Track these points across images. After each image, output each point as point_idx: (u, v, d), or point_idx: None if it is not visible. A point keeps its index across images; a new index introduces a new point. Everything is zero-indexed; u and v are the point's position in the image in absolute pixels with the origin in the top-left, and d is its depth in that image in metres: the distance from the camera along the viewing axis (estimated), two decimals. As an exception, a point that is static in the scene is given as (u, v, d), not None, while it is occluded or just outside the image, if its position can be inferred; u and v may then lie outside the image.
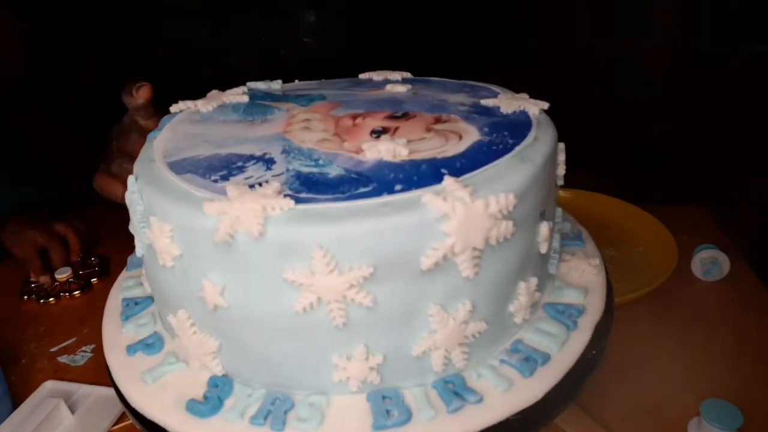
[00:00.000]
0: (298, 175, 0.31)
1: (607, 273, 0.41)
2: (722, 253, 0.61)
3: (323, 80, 0.49)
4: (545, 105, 0.39)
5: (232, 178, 0.32)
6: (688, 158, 0.74)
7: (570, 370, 0.33)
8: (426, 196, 0.28)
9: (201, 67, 0.64)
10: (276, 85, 0.48)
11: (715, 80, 0.70)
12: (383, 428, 0.29)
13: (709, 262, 0.61)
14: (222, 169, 0.33)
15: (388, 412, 0.30)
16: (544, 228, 0.33)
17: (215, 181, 0.31)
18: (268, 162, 0.33)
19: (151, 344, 0.36)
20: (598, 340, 0.35)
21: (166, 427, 0.31)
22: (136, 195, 0.33)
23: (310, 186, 0.30)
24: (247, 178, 0.31)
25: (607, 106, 0.74)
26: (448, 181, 0.29)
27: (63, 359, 0.57)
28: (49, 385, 0.53)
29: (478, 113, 0.38)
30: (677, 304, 0.58)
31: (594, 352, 0.34)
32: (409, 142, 0.34)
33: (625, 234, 0.68)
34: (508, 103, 0.39)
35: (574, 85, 0.72)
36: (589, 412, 0.45)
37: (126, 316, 0.39)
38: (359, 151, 0.33)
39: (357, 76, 0.49)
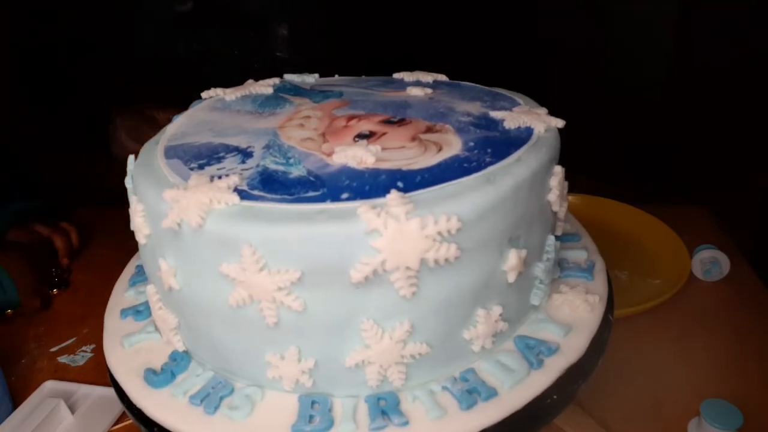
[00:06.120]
0: (264, 172, 0.32)
1: (608, 311, 0.37)
2: (722, 253, 0.61)
3: (359, 77, 0.49)
4: (560, 123, 0.36)
5: (207, 168, 0.33)
6: (688, 159, 0.72)
7: (520, 410, 0.31)
8: (362, 208, 0.27)
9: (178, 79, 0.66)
10: (310, 79, 0.49)
11: (715, 81, 0.68)
12: (300, 432, 0.29)
13: (709, 262, 0.61)
14: (205, 157, 0.34)
15: (311, 417, 0.30)
16: (512, 256, 0.31)
17: (192, 168, 0.33)
18: (246, 155, 0.34)
19: (141, 311, 0.39)
20: (565, 384, 0.32)
21: (125, 391, 0.34)
22: (130, 175, 0.36)
23: (266, 184, 0.31)
24: (219, 169, 0.33)
25: (607, 108, 0.72)
26: (393, 195, 0.28)
27: (63, 359, 0.56)
28: (49, 385, 0.52)
29: (477, 126, 0.36)
30: (677, 304, 0.57)
31: (555, 397, 0.32)
32: (384, 150, 0.33)
33: (635, 242, 0.67)
34: (516, 117, 0.36)
35: (574, 87, 0.70)
36: (589, 412, 0.45)
37: (133, 282, 0.42)
38: (333, 153, 0.33)
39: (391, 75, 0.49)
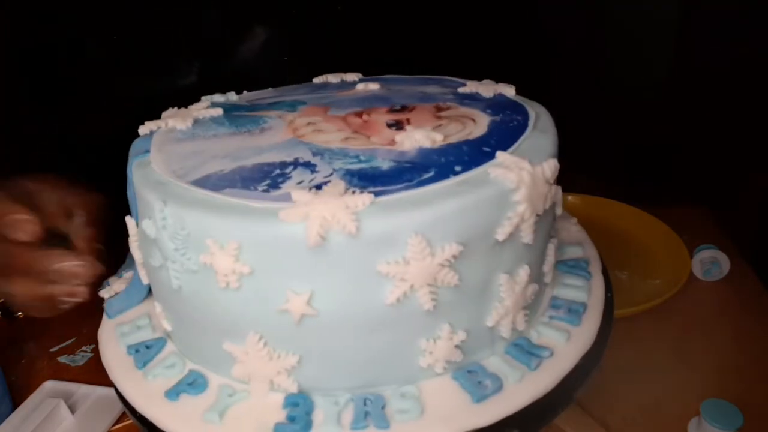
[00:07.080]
0: (350, 173, 0.31)
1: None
2: (722, 253, 0.61)
3: (280, 88, 0.48)
4: (512, 88, 0.43)
5: (282, 186, 0.30)
6: (688, 159, 0.73)
7: (602, 316, 0.37)
8: (495, 170, 0.29)
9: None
10: (233, 97, 0.46)
11: (715, 81, 0.69)
12: (484, 399, 0.30)
13: (709, 262, 0.61)
14: (261, 179, 0.31)
15: (479, 383, 0.31)
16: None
17: (265, 190, 0.30)
18: (307, 165, 0.32)
19: (192, 383, 0.33)
20: (608, 282, 0.40)
21: None
22: (170, 220, 0.30)
23: (370, 180, 0.30)
24: (299, 183, 0.30)
25: (606, 108, 0.74)
26: (503, 155, 0.31)
27: (63, 359, 0.57)
28: (49, 385, 0.53)
29: (468, 99, 0.41)
30: (677, 304, 0.57)
31: (609, 294, 0.39)
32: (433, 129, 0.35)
33: (635, 242, 0.68)
34: (483, 88, 0.42)
35: (573, 87, 0.72)
36: (589, 412, 0.46)
37: (143, 363, 0.35)
38: (392, 143, 0.34)
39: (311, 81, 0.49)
